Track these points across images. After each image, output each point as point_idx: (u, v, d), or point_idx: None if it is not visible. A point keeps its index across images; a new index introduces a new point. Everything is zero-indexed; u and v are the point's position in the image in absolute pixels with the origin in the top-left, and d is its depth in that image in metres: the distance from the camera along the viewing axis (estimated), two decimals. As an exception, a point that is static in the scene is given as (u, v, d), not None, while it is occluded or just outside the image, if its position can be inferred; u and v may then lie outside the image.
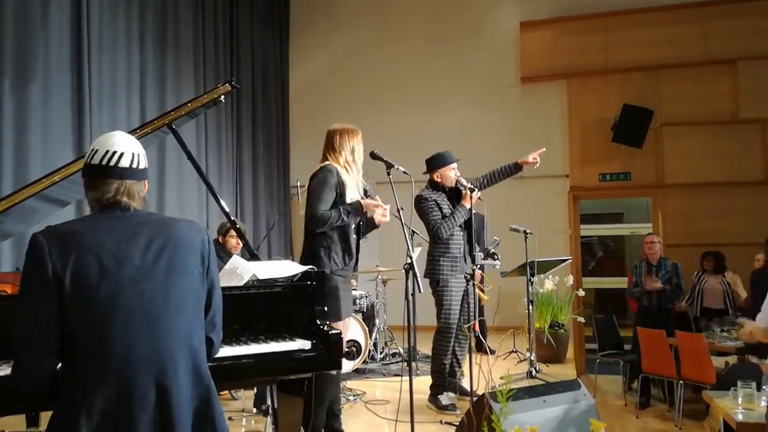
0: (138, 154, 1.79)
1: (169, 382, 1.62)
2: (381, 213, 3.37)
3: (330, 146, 3.42)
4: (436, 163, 4.55)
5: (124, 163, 1.75)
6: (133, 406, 1.57)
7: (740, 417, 3.35)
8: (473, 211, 4.40)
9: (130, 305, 1.61)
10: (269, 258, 7.57)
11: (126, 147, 1.78)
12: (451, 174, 4.49)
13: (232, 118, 7.81)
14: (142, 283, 1.64)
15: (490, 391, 2.86)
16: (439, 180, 4.51)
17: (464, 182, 4.43)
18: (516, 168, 4.71)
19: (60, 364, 1.66)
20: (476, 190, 4.38)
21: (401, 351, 6.17)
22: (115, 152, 1.75)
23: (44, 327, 1.59)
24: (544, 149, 4.76)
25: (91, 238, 1.64)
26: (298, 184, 6.32)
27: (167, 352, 1.64)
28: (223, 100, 2.92)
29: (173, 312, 1.67)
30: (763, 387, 3.43)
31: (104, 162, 1.74)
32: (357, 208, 3.30)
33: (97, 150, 1.76)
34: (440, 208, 4.44)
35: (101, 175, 1.74)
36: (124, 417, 1.56)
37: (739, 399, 3.45)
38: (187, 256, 1.74)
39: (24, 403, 2.02)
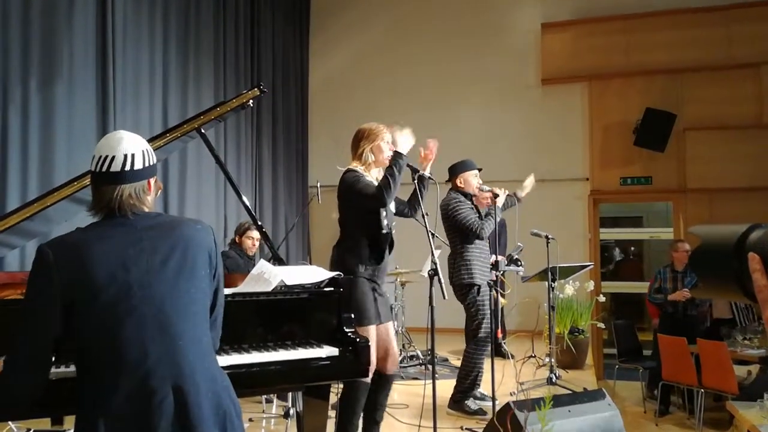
0: (131, 155, 1.70)
1: (187, 386, 1.61)
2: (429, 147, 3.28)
3: (353, 148, 3.37)
4: (458, 168, 4.52)
5: (115, 167, 1.68)
6: (151, 411, 1.56)
7: (766, 430, 3.31)
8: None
9: (141, 310, 1.61)
10: (287, 261, 7.59)
11: (119, 149, 1.70)
12: (473, 180, 4.46)
13: (251, 118, 7.82)
14: (152, 287, 1.63)
15: (515, 400, 2.84)
16: (462, 185, 4.47)
17: (486, 188, 4.38)
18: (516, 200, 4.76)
19: (76, 372, 1.69)
20: (501, 192, 4.33)
21: (419, 354, 6.16)
22: (106, 157, 1.69)
23: (42, 339, 1.61)
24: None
25: (97, 246, 1.63)
26: (318, 184, 6.33)
27: (182, 355, 1.63)
28: (252, 105, 2.93)
29: (184, 314, 1.67)
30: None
31: (97, 168, 1.70)
32: (397, 159, 3.09)
33: (94, 156, 1.72)
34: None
35: (97, 181, 1.71)
36: (143, 422, 1.56)
37: (766, 411, 3.41)
38: (196, 258, 1.73)
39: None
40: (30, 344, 1.62)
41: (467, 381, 4.41)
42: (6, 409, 1.81)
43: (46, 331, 1.60)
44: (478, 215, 4.42)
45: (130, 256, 1.63)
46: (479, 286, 4.33)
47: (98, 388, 1.58)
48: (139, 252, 1.64)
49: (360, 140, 3.27)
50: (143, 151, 1.74)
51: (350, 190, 3.14)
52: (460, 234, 4.39)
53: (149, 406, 1.56)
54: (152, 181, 1.77)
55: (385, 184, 3.03)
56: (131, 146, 1.72)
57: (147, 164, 1.74)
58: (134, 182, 1.70)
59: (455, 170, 4.54)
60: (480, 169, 4.57)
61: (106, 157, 1.69)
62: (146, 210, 1.73)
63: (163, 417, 1.56)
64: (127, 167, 1.69)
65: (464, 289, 4.35)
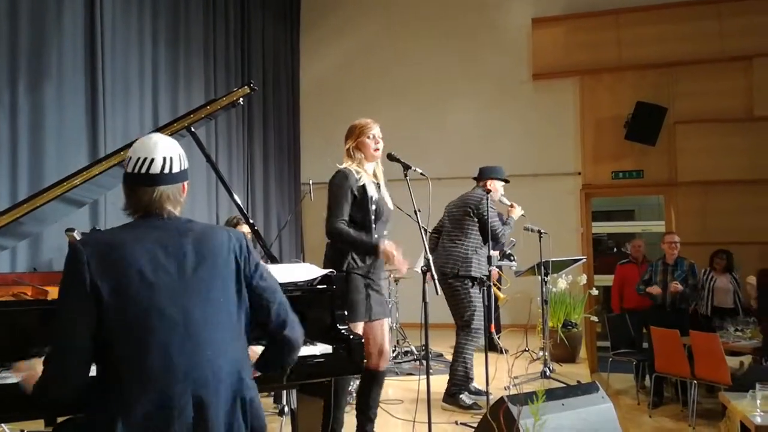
0: (170, 158, 1.76)
1: (209, 397, 1.62)
2: (397, 263, 3.13)
3: (345, 145, 3.35)
4: (493, 172, 4.72)
5: (155, 169, 1.73)
6: (171, 418, 1.57)
7: (759, 420, 3.34)
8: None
9: (172, 317, 1.61)
10: (280, 259, 7.58)
11: (157, 152, 1.75)
12: (500, 189, 4.70)
13: (243, 116, 7.78)
14: (183, 294, 1.64)
15: (508, 394, 2.85)
16: (490, 189, 4.60)
17: (507, 201, 4.71)
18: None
19: (96, 373, 1.65)
20: (519, 208, 4.72)
21: (414, 350, 6.17)
22: (146, 159, 1.74)
23: (81, 339, 1.59)
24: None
25: (132, 248, 1.64)
26: (310, 181, 6.31)
27: (207, 364, 1.64)
28: (242, 103, 2.92)
29: (212, 323, 1.67)
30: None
31: (136, 170, 1.73)
32: (369, 249, 3.14)
33: (131, 158, 1.76)
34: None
35: (135, 183, 1.74)
36: (163, 428, 1.57)
37: (758, 401, 3.44)
38: (227, 266, 1.75)
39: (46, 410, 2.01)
40: (72, 346, 1.60)
41: (459, 372, 4.44)
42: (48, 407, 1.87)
43: (85, 331, 1.58)
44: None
45: (163, 262, 1.65)
46: (476, 279, 4.47)
47: (120, 391, 1.57)
48: (173, 259, 1.66)
49: (347, 138, 3.31)
50: (179, 154, 1.80)
51: (330, 192, 3.21)
52: (481, 232, 4.53)
53: (170, 415, 1.57)
54: (186, 184, 1.82)
55: (345, 241, 3.14)
56: (168, 150, 1.77)
57: (182, 167, 1.80)
58: (171, 184, 1.75)
59: (489, 173, 4.74)
60: (508, 181, 4.80)
61: (145, 159, 1.73)
62: (178, 213, 1.77)
63: (183, 426, 1.58)
64: (166, 170, 1.74)
65: (464, 281, 4.46)
